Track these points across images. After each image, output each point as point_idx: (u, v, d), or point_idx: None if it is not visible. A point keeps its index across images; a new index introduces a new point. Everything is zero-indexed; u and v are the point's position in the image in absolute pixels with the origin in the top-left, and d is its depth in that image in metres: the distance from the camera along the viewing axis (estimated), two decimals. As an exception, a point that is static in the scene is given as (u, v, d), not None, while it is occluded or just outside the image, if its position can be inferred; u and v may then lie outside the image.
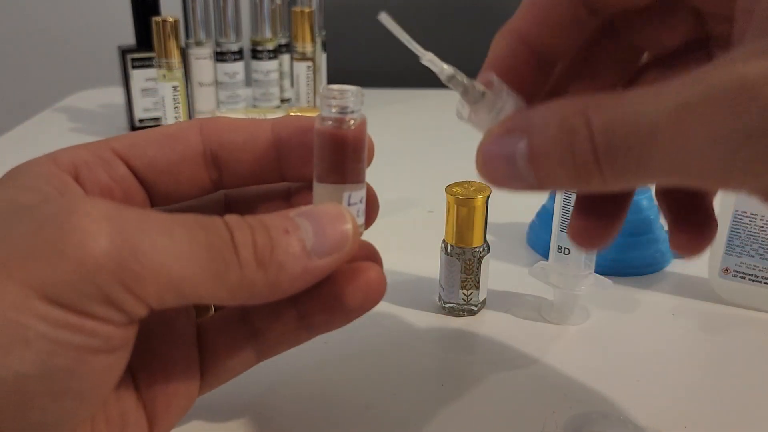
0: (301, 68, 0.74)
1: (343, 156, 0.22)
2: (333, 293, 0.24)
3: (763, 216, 0.38)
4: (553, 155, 0.18)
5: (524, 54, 0.24)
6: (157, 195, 0.25)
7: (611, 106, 0.18)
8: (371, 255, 0.26)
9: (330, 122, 0.22)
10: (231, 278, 0.20)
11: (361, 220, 0.24)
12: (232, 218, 0.21)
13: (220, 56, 0.74)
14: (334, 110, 0.22)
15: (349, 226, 0.22)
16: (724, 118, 0.16)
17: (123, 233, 0.18)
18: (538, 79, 0.24)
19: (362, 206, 0.24)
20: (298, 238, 0.21)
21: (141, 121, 0.73)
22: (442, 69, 0.21)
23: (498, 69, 0.23)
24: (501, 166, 0.20)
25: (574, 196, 0.35)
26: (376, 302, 0.24)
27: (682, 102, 0.16)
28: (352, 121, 0.22)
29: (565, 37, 0.24)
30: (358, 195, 0.23)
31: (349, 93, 0.22)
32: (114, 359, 0.20)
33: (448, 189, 0.37)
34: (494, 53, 0.24)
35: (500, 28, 0.24)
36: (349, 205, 0.23)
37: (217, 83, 0.75)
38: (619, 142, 0.17)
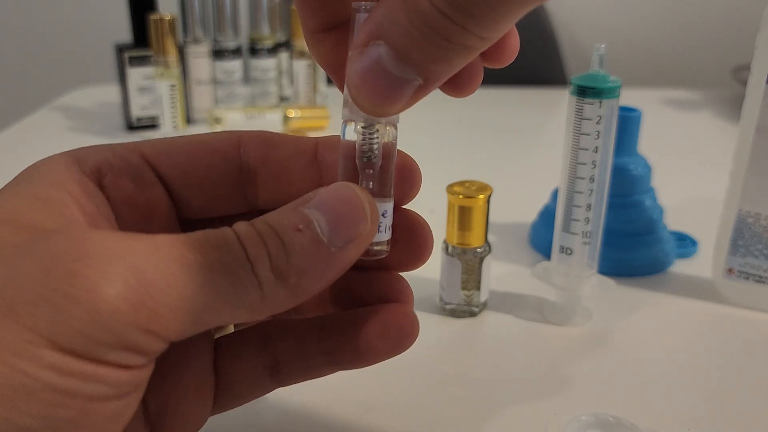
0: (300, 66, 0.73)
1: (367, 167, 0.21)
2: (363, 339, 0.23)
3: (767, 216, 0.37)
4: (416, 35, 0.17)
5: None
6: (185, 207, 0.23)
7: None
8: (403, 291, 0.24)
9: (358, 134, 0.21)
10: (252, 298, 0.18)
11: (386, 236, 0.22)
12: (241, 228, 0.19)
13: (218, 54, 0.74)
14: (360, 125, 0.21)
15: (364, 206, 0.20)
16: None
17: (136, 271, 0.17)
18: None
19: (387, 221, 0.22)
20: (312, 234, 0.19)
21: (138, 119, 0.73)
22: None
23: None
24: (378, 80, 0.18)
25: (574, 196, 0.35)
26: (406, 348, 0.23)
27: None
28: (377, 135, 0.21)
29: None
30: (382, 208, 0.21)
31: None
32: (124, 405, 0.18)
33: (449, 188, 0.36)
34: None
35: None
36: None
37: (215, 81, 0.75)
38: None
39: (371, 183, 0.21)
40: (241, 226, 0.19)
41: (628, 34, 1.27)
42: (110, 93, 0.83)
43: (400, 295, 0.24)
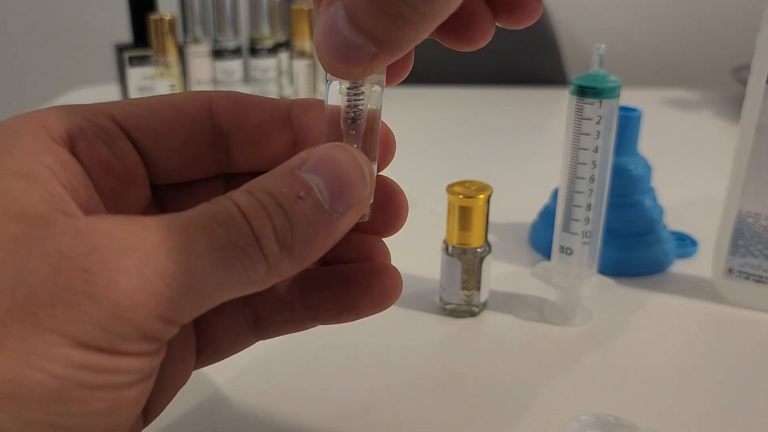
0: (300, 66, 0.73)
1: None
2: (347, 295, 0.23)
3: (767, 216, 0.37)
4: (366, 4, 0.17)
5: None
6: (157, 173, 0.23)
7: None
8: (380, 249, 0.24)
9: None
10: (259, 272, 0.19)
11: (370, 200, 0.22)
12: (243, 201, 0.19)
13: (218, 54, 0.74)
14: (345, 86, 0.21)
15: (364, 170, 0.20)
16: None
17: (149, 261, 0.17)
18: None
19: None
20: (314, 201, 0.19)
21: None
22: None
23: None
24: (333, 42, 0.18)
25: (574, 196, 0.35)
26: (390, 304, 0.23)
27: None
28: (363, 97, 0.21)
29: None
30: None
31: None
32: (147, 385, 0.19)
33: (449, 188, 0.36)
34: None
35: None
36: None
37: (215, 81, 0.75)
38: None
39: (355, 145, 0.21)
40: (241, 197, 0.19)
41: (628, 34, 1.27)
42: (110, 93, 0.83)
43: (378, 254, 0.24)
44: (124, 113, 0.22)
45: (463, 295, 0.37)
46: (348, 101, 0.21)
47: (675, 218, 0.47)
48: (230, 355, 0.25)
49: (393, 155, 0.24)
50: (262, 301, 0.24)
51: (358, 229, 0.23)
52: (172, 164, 0.23)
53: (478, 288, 0.37)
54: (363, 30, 0.18)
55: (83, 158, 0.21)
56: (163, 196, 0.24)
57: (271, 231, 0.18)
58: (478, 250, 0.37)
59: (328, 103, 0.21)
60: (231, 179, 0.25)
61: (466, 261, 0.37)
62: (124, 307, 0.17)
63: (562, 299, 0.37)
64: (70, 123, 0.21)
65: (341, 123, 0.21)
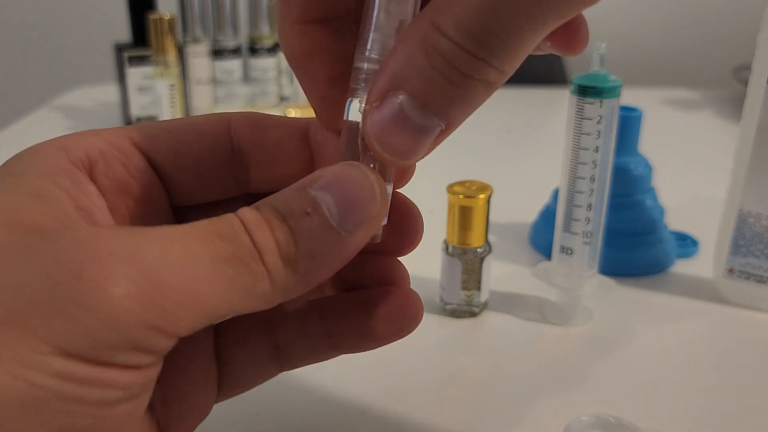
0: (299, 66, 0.73)
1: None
2: (366, 322, 0.22)
3: (768, 216, 0.37)
4: (437, 78, 0.17)
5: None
6: (177, 193, 0.23)
7: (444, 3, 0.17)
8: (400, 273, 0.24)
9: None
10: (262, 288, 0.18)
11: (384, 221, 0.21)
12: (246, 215, 0.18)
13: (218, 54, 0.74)
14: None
15: (373, 187, 0.19)
16: None
17: (144, 269, 0.17)
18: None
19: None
20: (321, 217, 0.18)
21: (137, 119, 0.73)
22: None
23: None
24: (401, 132, 0.18)
25: (574, 196, 0.35)
26: (410, 331, 0.23)
27: None
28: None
29: None
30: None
31: None
32: (136, 405, 0.18)
33: (450, 188, 0.36)
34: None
35: None
36: None
37: (214, 81, 0.75)
38: (478, 28, 0.17)
39: (372, 165, 0.20)
40: (246, 212, 0.18)
41: (629, 33, 1.27)
42: (109, 92, 0.83)
43: (397, 277, 0.24)
44: (142, 135, 0.22)
45: (464, 295, 0.37)
46: None
47: (676, 218, 0.47)
48: (252, 387, 0.24)
49: (412, 175, 0.23)
50: (282, 328, 0.24)
51: (372, 250, 0.23)
52: (191, 184, 0.23)
53: (479, 288, 0.37)
54: (436, 109, 0.18)
55: (100, 179, 0.21)
56: (186, 218, 0.24)
57: (274, 245, 0.18)
58: (479, 250, 0.37)
59: (348, 118, 0.21)
60: (253, 199, 0.24)
61: (467, 261, 0.36)
62: (112, 314, 0.16)
63: (562, 299, 0.37)
64: (89, 145, 0.21)
65: (359, 141, 0.21)
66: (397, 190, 0.23)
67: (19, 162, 0.20)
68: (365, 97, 0.20)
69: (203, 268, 0.17)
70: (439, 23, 0.17)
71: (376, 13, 0.20)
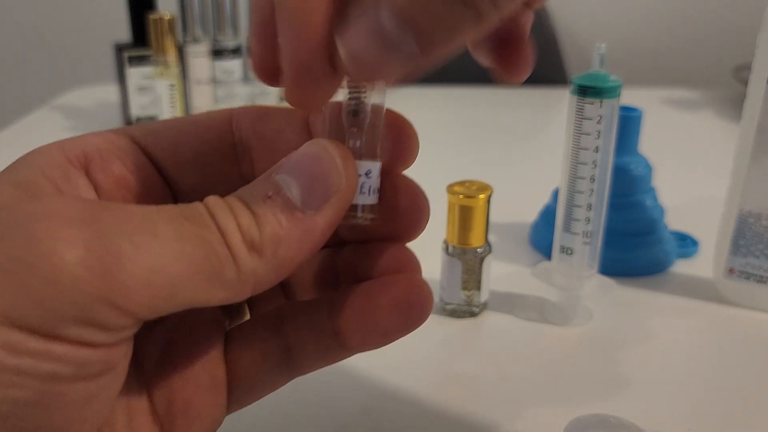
0: (299, 66, 0.73)
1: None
2: (371, 315, 0.21)
3: (768, 216, 0.37)
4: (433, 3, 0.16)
5: None
6: (181, 190, 0.22)
7: None
8: (408, 261, 0.23)
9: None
10: (228, 274, 0.17)
11: (370, 200, 0.20)
12: (210, 200, 0.18)
13: (218, 53, 0.74)
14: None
15: (335, 160, 0.18)
16: None
17: (102, 236, 0.16)
18: None
19: (372, 182, 0.20)
20: (283, 199, 0.18)
21: (137, 119, 0.73)
22: None
23: None
24: (370, 43, 0.17)
25: (574, 196, 0.35)
26: (420, 323, 0.21)
27: None
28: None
29: None
30: (365, 167, 0.20)
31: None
32: (96, 387, 0.17)
33: (450, 188, 0.36)
34: None
35: None
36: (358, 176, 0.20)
37: (214, 81, 0.74)
38: None
39: (357, 142, 0.20)
40: (210, 198, 0.18)
41: (629, 33, 1.27)
42: (109, 92, 0.83)
43: (406, 265, 0.23)
44: (142, 132, 0.22)
45: (464, 295, 0.37)
46: (350, 93, 0.20)
47: (676, 218, 0.47)
48: (263, 395, 0.23)
49: (415, 152, 0.22)
50: (291, 325, 0.23)
51: (377, 237, 0.23)
52: (194, 179, 0.22)
53: (479, 288, 0.37)
54: (415, 25, 0.16)
55: (97, 175, 0.21)
56: None
57: (236, 229, 0.17)
58: (479, 250, 0.36)
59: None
60: None
61: (467, 261, 0.36)
62: (63, 280, 0.15)
63: (562, 299, 0.37)
64: (86, 143, 0.21)
65: (343, 117, 0.20)
66: (403, 173, 0.22)
67: (19, 161, 0.20)
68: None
69: (164, 244, 0.16)
70: None
71: None
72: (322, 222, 0.18)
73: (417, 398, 0.31)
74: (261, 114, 0.22)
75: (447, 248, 0.37)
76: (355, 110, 0.20)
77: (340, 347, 0.22)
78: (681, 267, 0.43)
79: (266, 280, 0.18)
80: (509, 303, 0.39)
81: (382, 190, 0.21)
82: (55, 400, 0.16)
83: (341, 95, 0.20)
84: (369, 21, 0.17)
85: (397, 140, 0.22)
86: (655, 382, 0.33)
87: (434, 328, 0.37)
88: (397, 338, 0.21)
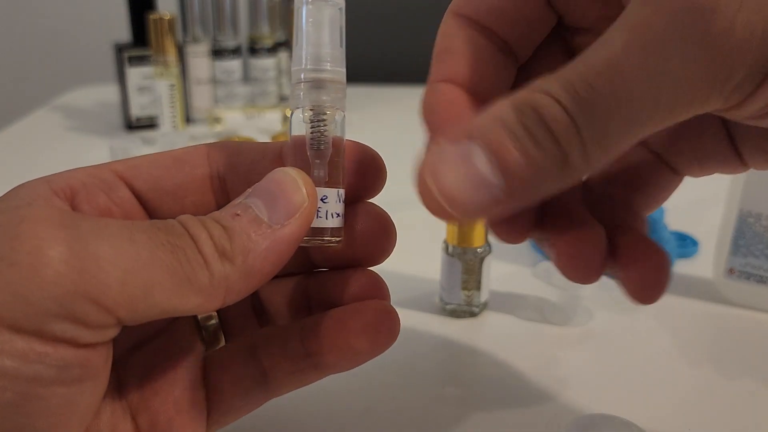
0: (299, 66, 0.73)
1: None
2: (342, 338, 0.23)
3: (768, 215, 0.37)
4: (520, 132, 0.16)
5: (487, 47, 0.22)
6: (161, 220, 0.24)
7: (563, 73, 0.17)
8: (377, 287, 0.24)
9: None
10: (201, 279, 0.18)
11: (331, 224, 0.22)
12: (183, 216, 0.20)
13: (217, 53, 0.74)
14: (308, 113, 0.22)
15: (297, 182, 0.20)
16: (685, 38, 0.16)
17: (81, 239, 0.17)
18: (500, 76, 0.22)
19: (330, 207, 0.22)
20: (251, 215, 0.20)
21: (137, 119, 0.73)
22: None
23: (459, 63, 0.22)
24: (458, 173, 0.17)
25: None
26: (388, 345, 0.23)
27: (638, 29, 0.16)
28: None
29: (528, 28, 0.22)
30: (321, 193, 0.22)
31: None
32: (77, 393, 0.17)
33: (450, 188, 0.36)
34: (449, 43, 0.22)
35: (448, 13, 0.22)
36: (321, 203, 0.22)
37: (214, 81, 0.75)
38: (586, 92, 0.16)
39: (321, 171, 0.22)
40: (183, 216, 0.20)
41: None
42: (109, 92, 0.83)
43: (374, 291, 0.24)
44: (125, 166, 0.23)
45: (464, 295, 0.37)
46: (312, 128, 0.22)
47: (676, 218, 0.47)
48: (241, 416, 0.24)
49: (381, 183, 0.24)
50: (265, 350, 0.24)
51: (345, 263, 0.24)
52: (173, 209, 0.23)
53: (479, 288, 0.37)
54: (506, 167, 0.17)
55: (82, 207, 0.21)
56: None
57: (208, 238, 0.19)
58: (479, 250, 0.37)
59: (293, 133, 0.22)
60: None
61: (467, 261, 0.36)
62: (46, 276, 0.16)
63: (562, 299, 0.37)
64: (71, 177, 0.22)
65: (307, 150, 0.22)
66: (370, 201, 0.24)
67: (4, 195, 0.20)
68: (307, 108, 0.21)
69: (139, 250, 0.18)
70: (544, 85, 0.17)
71: (303, 28, 0.21)
72: (287, 234, 0.20)
73: (417, 398, 0.31)
74: (235, 149, 0.24)
75: (447, 248, 0.37)
76: (318, 143, 0.22)
77: (314, 369, 0.23)
78: (681, 267, 0.44)
79: (237, 287, 0.19)
80: (509, 303, 0.39)
81: (351, 216, 0.23)
82: (37, 404, 0.16)
83: (303, 128, 0.22)
84: (458, 149, 0.17)
85: (365, 172, 0.23)
86: (655, 382, 0.33)
87: (434, 328, 0.37)
88: (369, 359, 0.23)
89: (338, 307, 0.24)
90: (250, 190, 0.21)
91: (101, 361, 0.18)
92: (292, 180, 0.20)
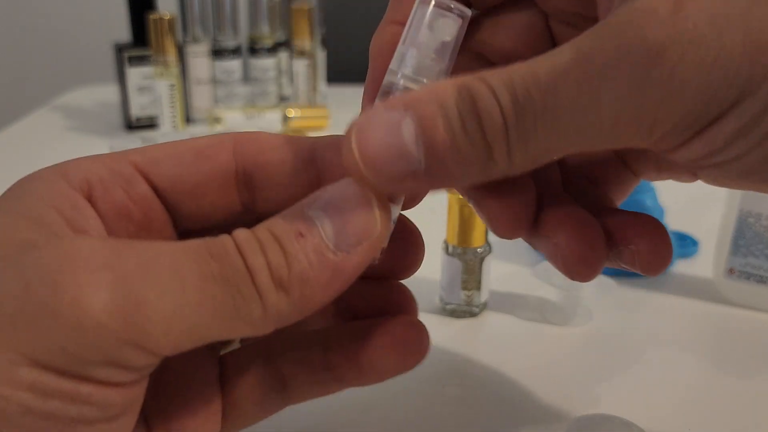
0: (300, 66, 0.73)
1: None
2: (365, 355, 0.22)
3: (768, 215, 0.37)
4: (452, 116, 0.16)
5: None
6: (181, 217, 0.22)
7: (510, 69, 0.17)
8: (405, 301, 0.23)
9: None
10: (253, 312, 0.17)
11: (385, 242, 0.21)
12: (240, 235, 0.18)
13: (217, 53, 0.74)
14: None
15: (372, 204, 0.18)
16: (629, 76, 0.16)
17: (124, 282, 0.16)
18: None
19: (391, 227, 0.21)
20: (315, 239, 0.18)
21: (137, 119, 0.73)
22: None
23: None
24: (383, 141, 0.17)
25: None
26: (414, 364, 0.22)
27: (583, 56, 0.16)
28: None
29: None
30: (393, 213, 0.20)
31: None
32: (116, 427, 0.17)
33: (450, 188, 0.36)
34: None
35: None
36: None
37: (214, 81, 0.75)
38: (523, 98, 0.16)
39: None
40: (240, 233, 0.18)
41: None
42: (109, 92, 0.83)
43: (402, 305, 0.23)
44: (144, 159, 0.21)
45: (464, 295, 0.37)
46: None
47: (676, 218, 0.47)
48: (257, 421, 0.23)
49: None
50: (284, 358, 0.23)
51: (373, 274, 0.23)
52: (195, 209, 0.22)
53: (479, 288, 0.37)
54: (431, 150, 0.17)
55: (100, 204, 0.21)
56: None
57: (265, 267, 0.17)
58: (479, 250, 0.37)
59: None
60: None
61: (467, 261, 0.36)
62: (88, 327, 0.15)
63: (562, 299, 0.37)
64: (88, 170, 0.20)
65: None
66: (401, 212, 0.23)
67: (19, 188, 0.20)
68: None
69: (189, 286, 0.17)
70: (486, 75, 0.17)
71: (419, 28, 0.19)
72: (351, 265, 0.18)
73: (417, 398, 0.31)
74: (264, 144, 0.22)
75: (447, 248, 0.37)
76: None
77: (334, 381, 0.23)
78: (681, 267, 0.43)
79: (289, 317, 0.18)
80: (509, 303, 0.39)
81: None
82: None
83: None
84: (388, 117, 0.17)
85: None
86: (655, 382, 0.33)
87: (434, 328, 0.37)
88: (393, 376, 0.22)
89: (365, 320, 0.23)
90: (318, 195, 0.19)
91: (141, 392, 0.18)
92: (367, 201, 0.18)
